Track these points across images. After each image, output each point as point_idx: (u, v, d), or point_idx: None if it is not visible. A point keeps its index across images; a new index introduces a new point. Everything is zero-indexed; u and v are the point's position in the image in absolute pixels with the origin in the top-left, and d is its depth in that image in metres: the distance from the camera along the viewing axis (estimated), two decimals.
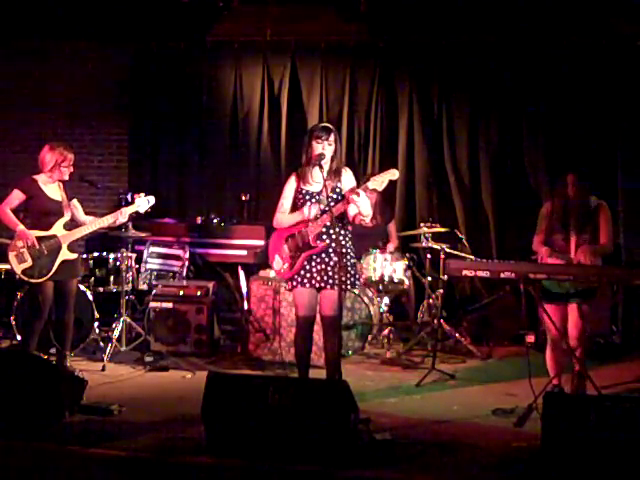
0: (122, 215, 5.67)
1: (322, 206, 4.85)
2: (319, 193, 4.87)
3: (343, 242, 4.87)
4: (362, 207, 4.78)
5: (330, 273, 4.83)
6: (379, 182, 4.77)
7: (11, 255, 5.51)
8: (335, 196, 4.88)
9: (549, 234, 5.11)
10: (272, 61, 8.27)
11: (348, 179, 4.97)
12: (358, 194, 4.71)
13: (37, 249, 5.46)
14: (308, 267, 4.87)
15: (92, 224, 5.65)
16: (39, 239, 5.48)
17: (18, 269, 5.49)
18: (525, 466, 3.99)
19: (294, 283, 4.90)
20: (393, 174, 4.83)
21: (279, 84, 8.28)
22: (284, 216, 4.99)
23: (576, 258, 4.93)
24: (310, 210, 4.86)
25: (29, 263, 5.48)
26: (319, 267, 4.86)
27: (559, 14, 7.46)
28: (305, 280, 4.87)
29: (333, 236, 4.85)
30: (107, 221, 5.67)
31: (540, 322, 6.89)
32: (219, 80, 8.41)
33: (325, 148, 4.84)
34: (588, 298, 4.96)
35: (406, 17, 7.78)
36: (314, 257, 4.87)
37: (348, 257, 4.90)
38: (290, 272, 4.91)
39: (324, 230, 4.86)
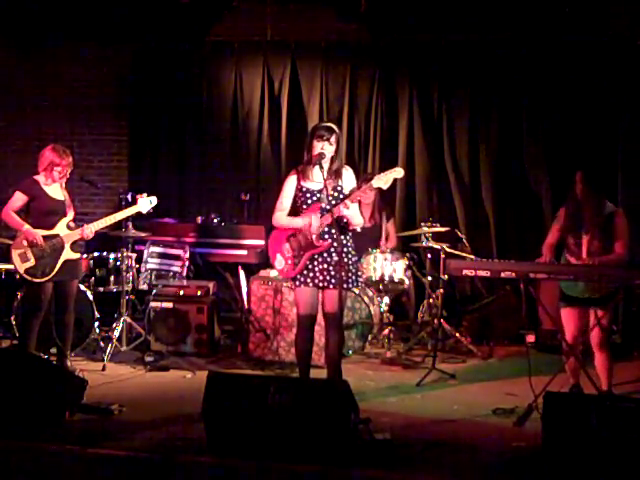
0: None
1: (323, 204, 4.86)
2: (320, 191, 4.87)
3: (344, 241, 4.88)
4: (352, 218, 4.87)
5: (332, 272, 4.84)
6: (384, 181, 4.78)
7: (15, 253, 5.52)
8: (336, 194, 4.89)
9: (564, 235, 5.09)
10: (272, 61, 8.27)
11: (349, 178, 4.98)
12: (347, 206, 4.75)
13: (41, 248, 5.47)
14: (311, 266, 4.88)
15: (95, 224, 5.68)
16: (43, 238, 5.50)
17: (21, 268, 5.50)
18: (525, 466, 3.99)
19: (297, 283, 4.91)
20: (398, 172, 4.85)
21: (279, 84, 8.29)
22: (283, 216, 4.99)
23: None
24: (312, 223, 4.83)
25: (32, 262, 5.48)
26: (322, 266, 4.87)
27: (559, 14, 7.46)
28: (308, 279, 4.87)
29: (335, 235, 4.85)
30: (107, 222, 5.69)
31: (540, 322, 6.92)
32: (219, 80, 8.41)
33: (325, 147, 4.83)
34: (606, 303, 4.95)
35: (406, 17, 7.78)
36: (316, 256, 4.88)
37: (350, 256, 4.91)
38: (294, 271, 4.91)
39: (326, 230, 4.86)
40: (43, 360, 5.31)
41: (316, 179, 4.90)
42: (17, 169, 8.02)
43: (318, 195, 4.89)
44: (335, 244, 4.83)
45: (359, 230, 5.06)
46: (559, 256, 5.19)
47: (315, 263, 4.88)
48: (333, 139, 4.86)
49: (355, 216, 4.89)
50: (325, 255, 4.87)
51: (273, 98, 8.29)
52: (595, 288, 4.89)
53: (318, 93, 8.18)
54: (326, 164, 4.88)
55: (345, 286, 4.79)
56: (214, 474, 3.95)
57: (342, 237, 4.84)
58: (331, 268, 4.84)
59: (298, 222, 4.90)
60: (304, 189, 4.94)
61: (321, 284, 4.85)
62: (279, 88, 8.29)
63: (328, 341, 4.92)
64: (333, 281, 4.82)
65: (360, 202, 5.04)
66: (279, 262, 4.98)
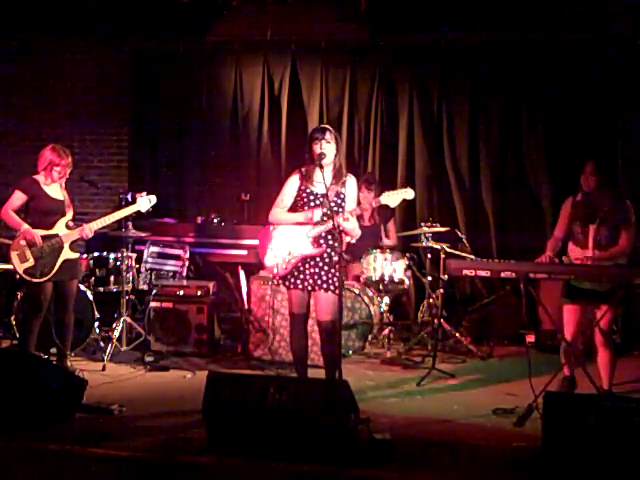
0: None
1: (324, 210, 4.86)
2: (323, 195, 4.88)
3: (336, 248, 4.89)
4: (350, 231, 4.90)
5: (324, 277, 4.86)
6: (392, 200, 4.84)
7: (13, 254, 5.51)
8: (339, 201, 4.91)
9: (570, 225, 5.09)
10: (272, 61, 8.28)
11: (351, 187, 4.99)
12: (348, 219, 4.78)
13: (39, 248, 5.47)
14: (302, 269, 4.90)
15: (94, 224, 5.67)
16: (41, 238, 5.49)
17: (20, 268, 5.49)
18: (525, 466, 3.98)
19: (287, 284, 4.93)
20: (409, 194, 4.88)
21: (279, 84, 8.29)
22: (283, 213, 4.99)
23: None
24: (314, 214, 4.86)
25: (31, 262, 5.48)
26: (312, 270, 4.88)
27: (560, 13, 7.46)
28: (298, 281, 4.90)
29: (330, 242, 4.87)
30: (107, 221, 5.69)
31: (540, 322, 6.92)
32: (219, 80, 8.41)
33: (323, 147, 4.84)
34: (615, 302, 4.94)
35: (406, 17, 7.78)
36: (308, 260, 4.90)
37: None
38: (284, 272, 4.92)
39: (322, 235, 4.88)
40: (43, 360, 5.30)
41: (319, 181, 4.89)
42: (17, 169, 8.03)
43: (321, 199, 4.90)
44: (329, 250, 4.86)
45: (354, 242, 5.09)
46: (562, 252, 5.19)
47: (307, 266, 4.89)
48: (328, 136, 4.87)
49: (354, 228, 4.92)
50: (318, 259, 4.89)
51: (273, 98, 8.30)
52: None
53: (318, 93, 8.19)
54: (329, 166, 4.89)
55: (332, 288, 4.83)
56: (214, 474, 3.95)
57: (336, 244, 4.85)
58: (323, 273, 4.87)
59: (299, 217, 4.91)
60: (308, 190, 4.94)
61: (310, 287, 4.88)
62: (279, 88, 8.29)
63: (324, 348, 4.94)
64: (325, 286, 4.84)
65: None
66: (269, 259, 4.99)
